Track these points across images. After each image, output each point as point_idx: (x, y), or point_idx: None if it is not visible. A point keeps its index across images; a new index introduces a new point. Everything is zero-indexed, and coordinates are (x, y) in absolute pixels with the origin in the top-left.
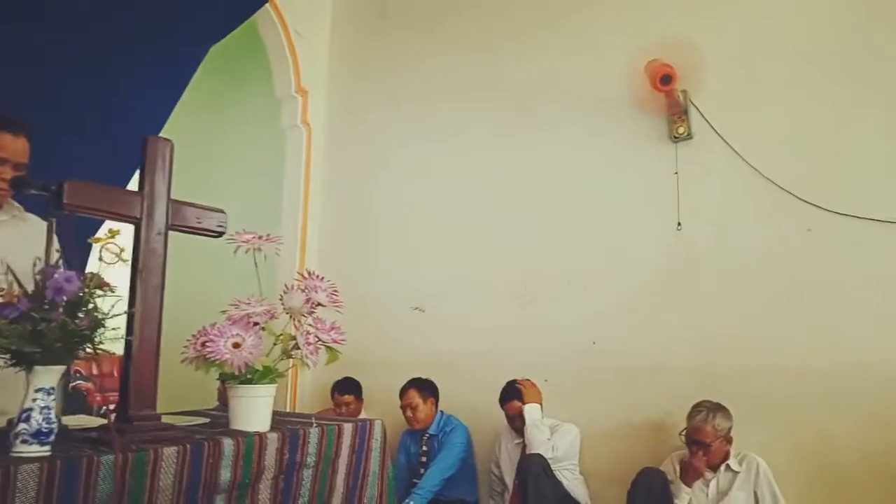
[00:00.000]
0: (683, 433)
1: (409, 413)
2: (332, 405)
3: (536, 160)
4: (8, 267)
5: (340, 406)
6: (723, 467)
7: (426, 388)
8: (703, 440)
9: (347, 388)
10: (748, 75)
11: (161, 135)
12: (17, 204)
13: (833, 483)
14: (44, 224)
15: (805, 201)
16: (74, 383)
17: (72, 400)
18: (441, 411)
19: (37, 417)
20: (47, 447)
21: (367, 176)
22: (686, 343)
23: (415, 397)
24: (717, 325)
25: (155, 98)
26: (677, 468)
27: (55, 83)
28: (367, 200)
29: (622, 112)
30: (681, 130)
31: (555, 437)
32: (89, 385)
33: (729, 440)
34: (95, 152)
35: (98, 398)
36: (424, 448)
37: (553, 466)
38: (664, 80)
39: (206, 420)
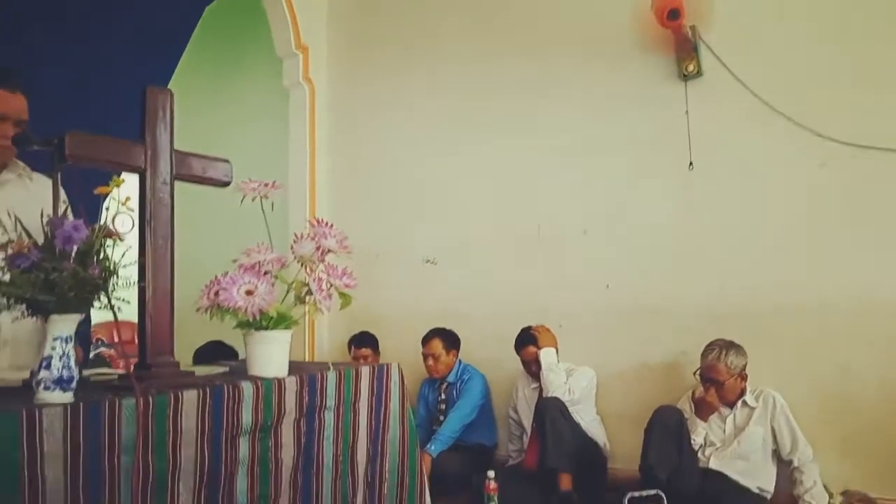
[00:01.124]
0: (698, 372)
1: (430, 362)
2: (349, 360)
3: (544, 105)
4: (17, 219)
5: (358, 360)
6: (739, 403)
7: (450, 339)
8: (717, 378)
9: (364, 341)
10: (759, 8)
11: None
12: (22, 163)
13: (850, 416)
14: (50, 182)
15: (819, 135)
16: (97, 350)
17: (94, 366)
18: (459, 360)
19: (56, 365)
20: (69, 394)
21: (374, 130)
22: (700, 283)
23: (438, 347)
24: (730, 264)
25: (154, 59)
26: (692, 405)
27: (55, 44)
28: (374, 154)
29: (629, 52)
30: (690, 68)
31: (571, 379)
32: (111, 352)
33: (744, 377)
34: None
35: (121, 364)
36: (443, 396)
37: (570, 408)
38: (671, 15)
39: (225, 369)
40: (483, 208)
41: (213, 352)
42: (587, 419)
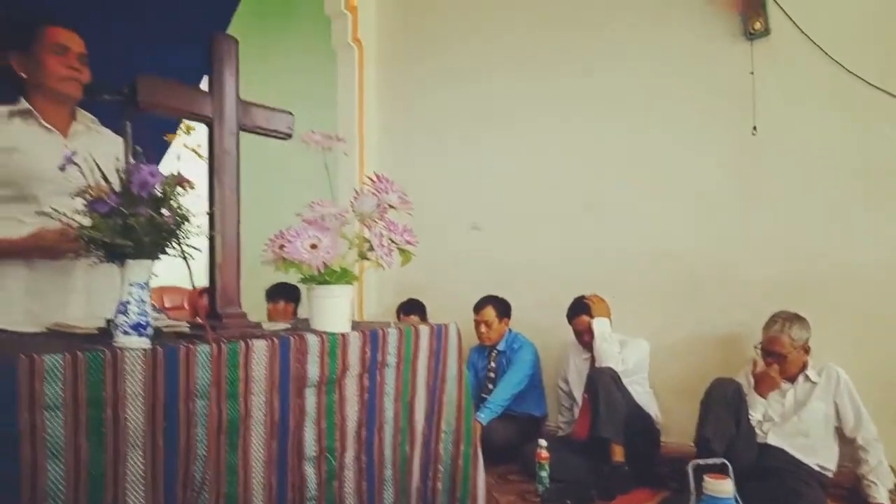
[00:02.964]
0: (759, 346)
1: (482, 329)
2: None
3: (598, 66)
4: (95, 163)
5: None
6: (801, 378)
7: (503, 307)
8: (780, 351)
9: (412, 308)
10: None
11: None
12: (90, 115)
13: None
14: (117, 137)
15: (894, 96)
16: None
17: None
18: (509, 328)
19: (134, 310)
20: (146, 339)
21: (422, 92)
22: (759, 252)
23: (491, 314)
24: (793, 232)
25: (207, 14)
26: (751, 380)
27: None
28: (421, 118)
29: (690, 8)
30: (757, 26)
31: (624, 350)
32: (160, 317)
33: (807, 350)
34: (154, 67)
35: None
36: (493, 364)
37: (623, 380)
38: None
39: (288, 325)
40: (534, 173)
41: (282, 290)
42: (640, 391)
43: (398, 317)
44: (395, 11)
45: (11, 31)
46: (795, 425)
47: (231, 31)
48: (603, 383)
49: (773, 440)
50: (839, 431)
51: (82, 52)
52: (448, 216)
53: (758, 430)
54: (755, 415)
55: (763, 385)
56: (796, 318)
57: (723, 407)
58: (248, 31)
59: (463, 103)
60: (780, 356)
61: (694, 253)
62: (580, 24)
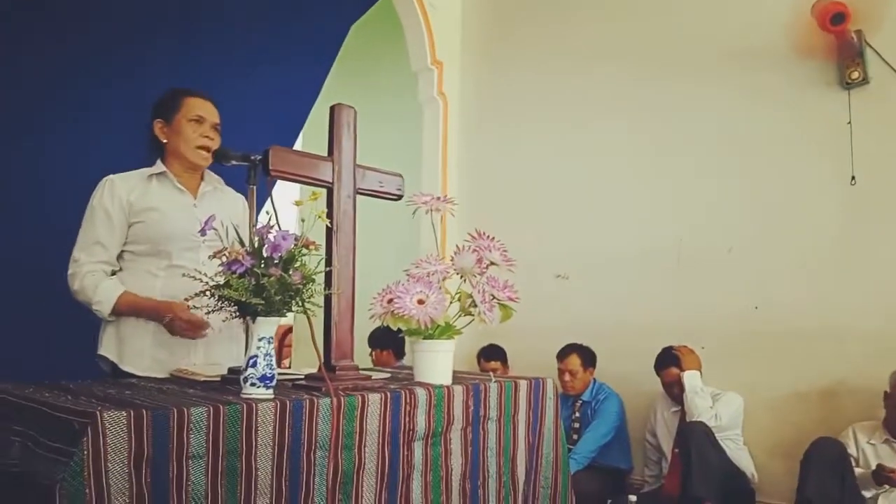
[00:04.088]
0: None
1: (566, 378)
2: (478, 371)
3: (690, 119)
4: (236, 230)
5: (487, 372)
6: None
7: (588, 356)
8: None
9: (493, 354)
10: None
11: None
12: (216, 176)
13: None
14: (237, 195)
15: None
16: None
17: None
18: (594, 378)
19: (262, 363)
20: (271, 391)
21: (505, 144)
22: (860, 305)
23: (576, 363)
24: (894, 286)
25: (304, 75)
26: (859, 439)
27: (217, 60)
28: (505, 168)
29: (786, 57)
30: (854, 75)
31: (717, 405)
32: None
33: None
34: (254, 127)
35: None
36: (577, 414)
37: (716, 435)
38: (836, 19)
39: (388, 375)
40: (621, 221)
41: (387, 338)
42: (734, 448)
43: (479, 362)
44: (477, 65)
45: (159, 102)
46: None
47: (324, 90)
48: (696, 439)
49: None
50: None
51: (216, 122)
52: (532, 262)
53: (864, 493)
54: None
55: (881, 478)
56: None
57: (826, 467)
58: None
59: (543, 153)
60: None
61: (790, 305)
62: (675, 75)
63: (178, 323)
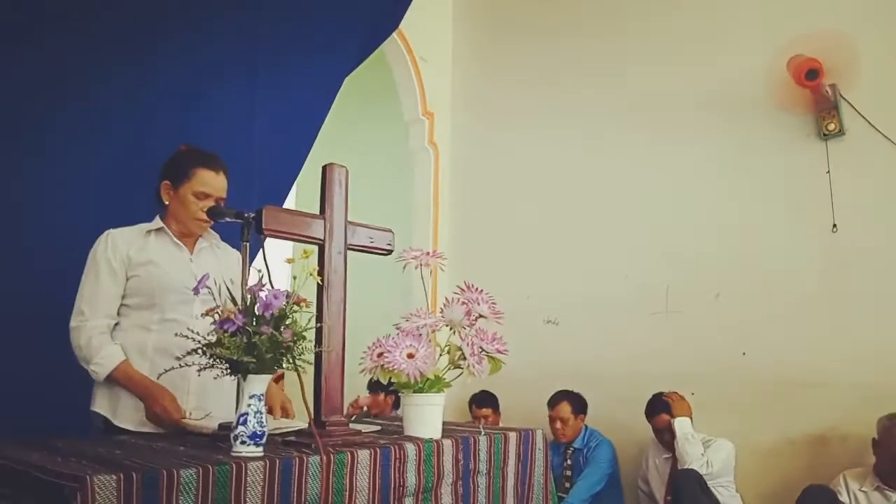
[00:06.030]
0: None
1: (557, 425)
2: (469, 419)
3: (674, 168)
4: (228, 289)
5: (478, 419)
6: None
7: (578, 403)
8: None
9: (485, 401)
10: None
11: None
12: (214, 232)
13: None
14: (233, 250)
15: None
16: None
17: None
18: (585, 425)
19: (252, 421)
20: (260, 448)
21: (494, 193)
22: (846, 353)
23: (566, 410)
24: (880, 332)
25: (299, 127)
26: (851, 486)
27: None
28: (494, 216)
29: (764, 112)
30: (831, 127)
31: (709, 452)
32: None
33: None
34: (248, 183)
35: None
36: (568, 462)
37: (708, 482)
38: (810, 74)
39: (378, 427)
40: (609, 268)
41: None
42: (726, 495)
43: (470, 409)
44: (467, 115)
45: (170, 162)
46: None
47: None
48: (688, 487)
49: None
50: None
51: (222, 196)
52: (521, 309)
53: None
54: None
55: None
56: None
57: None
58: (329, 145)
59: (533, 202)
60: None
61: (777, 353)
62: (656, 127)
63: (159, 411)
